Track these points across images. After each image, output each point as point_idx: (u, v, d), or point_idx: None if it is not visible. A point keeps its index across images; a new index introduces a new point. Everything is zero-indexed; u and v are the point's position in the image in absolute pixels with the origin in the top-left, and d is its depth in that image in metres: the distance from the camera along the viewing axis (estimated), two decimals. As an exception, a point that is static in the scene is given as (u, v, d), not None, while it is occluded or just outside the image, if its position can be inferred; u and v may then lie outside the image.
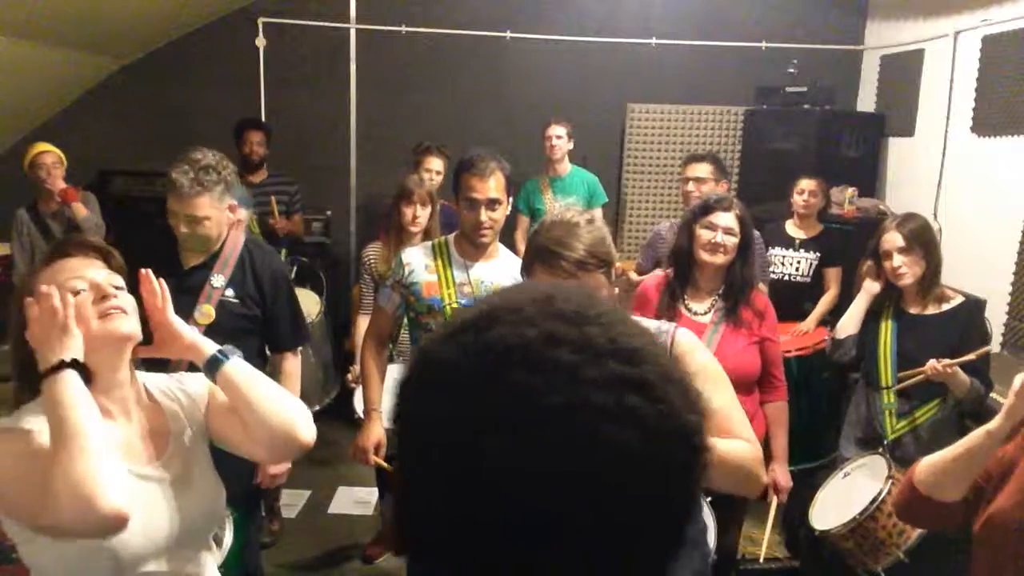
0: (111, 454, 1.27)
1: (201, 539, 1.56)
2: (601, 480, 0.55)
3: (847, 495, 2.65)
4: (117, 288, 1.47)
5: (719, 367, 1.77)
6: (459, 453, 0.57)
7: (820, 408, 3.55)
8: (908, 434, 2.76)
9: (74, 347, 1.33)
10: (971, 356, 2.61)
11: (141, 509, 1.40)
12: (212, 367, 1.52)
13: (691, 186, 3.71)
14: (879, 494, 2.44)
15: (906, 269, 2.74)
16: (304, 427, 1.52)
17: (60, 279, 1.42)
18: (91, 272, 1.45)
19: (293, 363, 2.61)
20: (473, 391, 0.58)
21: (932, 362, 2.61)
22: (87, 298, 1.41)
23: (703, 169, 3.73)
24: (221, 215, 2.40)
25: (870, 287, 2.91)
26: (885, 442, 2.74)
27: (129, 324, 1.45)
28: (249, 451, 1.59)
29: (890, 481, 2.46)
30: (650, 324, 1.80)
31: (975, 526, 1.64)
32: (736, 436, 1.66)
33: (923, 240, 2.75)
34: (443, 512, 0.59)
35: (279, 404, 1.52)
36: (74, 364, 1.31)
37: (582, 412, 0.55)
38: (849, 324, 2.95)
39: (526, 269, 1.70)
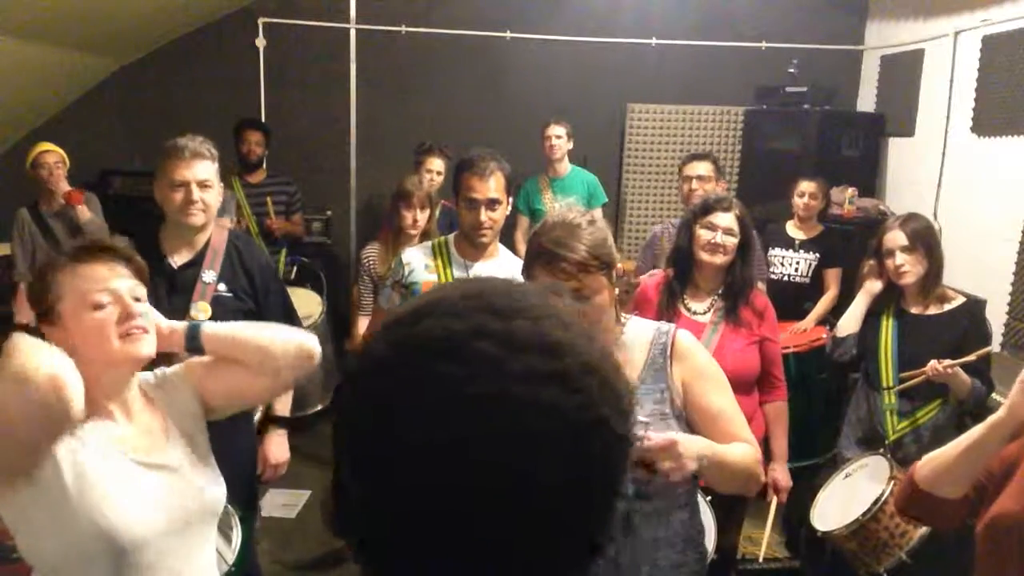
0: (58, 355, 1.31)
1: (202, 530, 1.57)
2: (519, 469, 0.57)
3: (849, 496, 2.65)
4: (139, 300, 1.48)
5: (719, 369, 1.78)
6: (382, 441, 0.59)
7: (817, 405, 3.55)
8: (909, 435, 2.76)
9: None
10: (971, 357, 2.62)
11: (144, 497, 1.43)
12: (194, 337, 1.56)
13: (694, 184, 3.71)
14: (881, 495, 2.44)
15: (908, 268, 2.74)
16: (306, 338, 1.60)
17: (84, 288, 1.42)
18: (115, 283, 1.45)
19: None
20: (397, 381, 0.60)
21: (933, 363, 2.61)
22: (111, 315, 1.42)
23: (705, 167, 3.74)
24: (218, 192, 2.38)
25: (871, 286, 2.91)
26: (887, 443, 2.74)
27: (149, 345, 1.48)
28: (263, 390, 1.64)
29: (892, 482, 2.46)
30: (651, 325, 1.80)
31: (978, 526, 1.63)
32: (738, 438, 1.68)
33: (926, 240, 2.76)
34: (368, 501, 0.61)
35: (271, 331, 1.59)
36: (26, 328, 1.38)
37: (501, 403, 0.57)
38: (849, 323, 2.95)
39: (527, 270, 1.70)
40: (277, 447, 2.50)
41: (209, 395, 1.60)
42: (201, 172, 2.30)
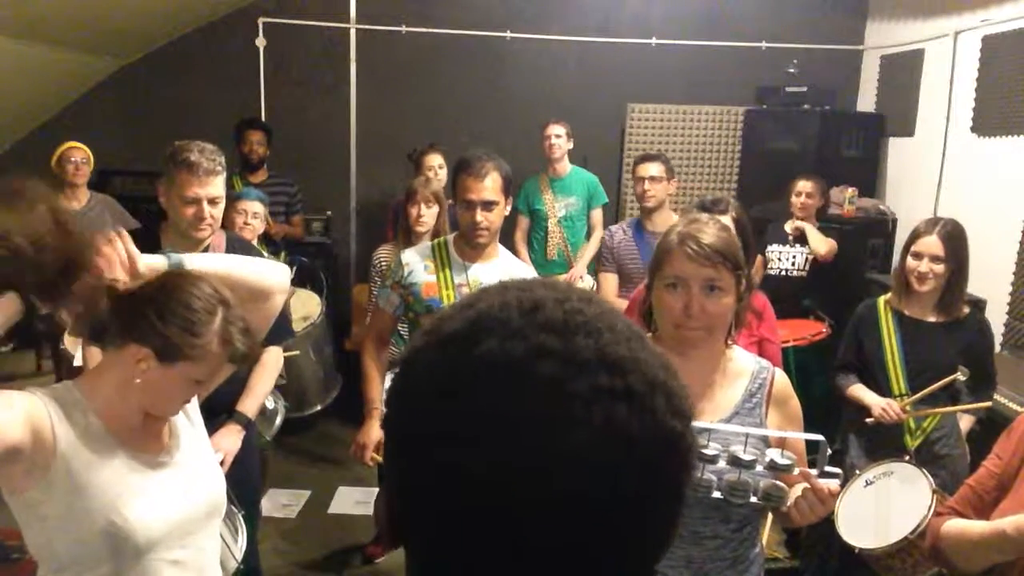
0: None
1: (209, 523, 1.58)
2: (584, 494, 0.55)
3: (881, 506, 2.55)
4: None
5: (799, 405, 1.79)
6: (440, 469, 0.57)
7: (818, 400, 3.53)
8: (931, 435, 2.73)
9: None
10: (970, 407, 2.75)
11: (156, 497, 1.45)
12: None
13: (647, 184, 3.76)
14: (929, 512, 2.38)
15: (932, 278, 2.68)
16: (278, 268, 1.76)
17: (182, 375, 1.43)
18: (191, 390, 1.47)
19: (275, 353, 2.52)
20: (453, 407, 0.57)
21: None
22: (165, 387, 1.43)
23: (656, 168, 3.80)
24: (223, 203, 2.37)
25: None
26: (909, 449, 2.70)
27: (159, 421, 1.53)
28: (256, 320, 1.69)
29: (934, 496, 2.39)
30: (751, 357, 1.77)
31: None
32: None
33: (958, 253, 2.70)
34: (424, 525, 0.60)
35: (250, 262, 1.71)
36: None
37: (562, 425, 0.55)
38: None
39: (656, 262, 1.67)
40: (226, 438, 2.34)
41: None
42: (213, 189, 2.29)
